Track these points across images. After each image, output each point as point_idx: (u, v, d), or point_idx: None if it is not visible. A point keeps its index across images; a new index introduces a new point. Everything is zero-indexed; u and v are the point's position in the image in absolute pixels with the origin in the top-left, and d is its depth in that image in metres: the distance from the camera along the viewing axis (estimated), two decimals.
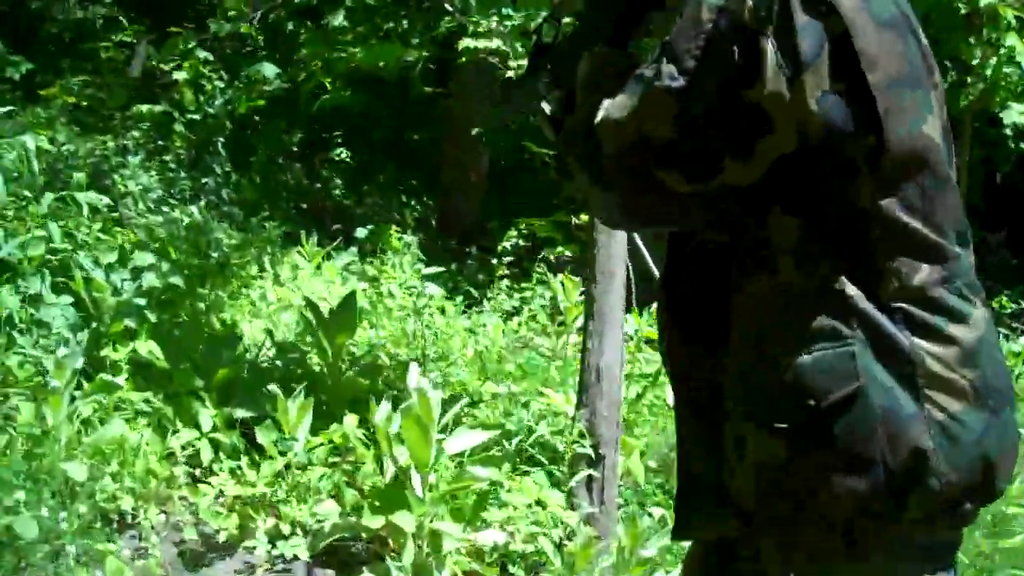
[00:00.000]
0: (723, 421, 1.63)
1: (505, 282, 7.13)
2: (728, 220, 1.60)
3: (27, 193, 4.82)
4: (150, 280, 4.69)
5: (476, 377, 5.60)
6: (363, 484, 4.23)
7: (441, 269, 6.95)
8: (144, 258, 4.81)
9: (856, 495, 1.49)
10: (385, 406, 4.08)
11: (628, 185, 1.58)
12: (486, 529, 3.98)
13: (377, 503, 3.94)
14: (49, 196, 4.80)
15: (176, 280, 4.83)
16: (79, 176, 5.71)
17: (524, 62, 5.72)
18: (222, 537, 3.94)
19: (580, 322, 6.59)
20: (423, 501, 3.89)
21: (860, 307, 1.51)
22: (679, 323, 1.77)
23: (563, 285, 6.68)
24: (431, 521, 3.88)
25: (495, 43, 5.33)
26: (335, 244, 7.00)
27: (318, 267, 6.76)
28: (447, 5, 5.77)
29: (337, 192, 8.60)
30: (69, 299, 4.58)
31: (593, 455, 4.08)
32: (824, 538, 1.55)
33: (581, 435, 4.10)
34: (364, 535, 4.03)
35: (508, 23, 5.36)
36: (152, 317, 4.64)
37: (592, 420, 4.12)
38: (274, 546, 3.93)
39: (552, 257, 6.59)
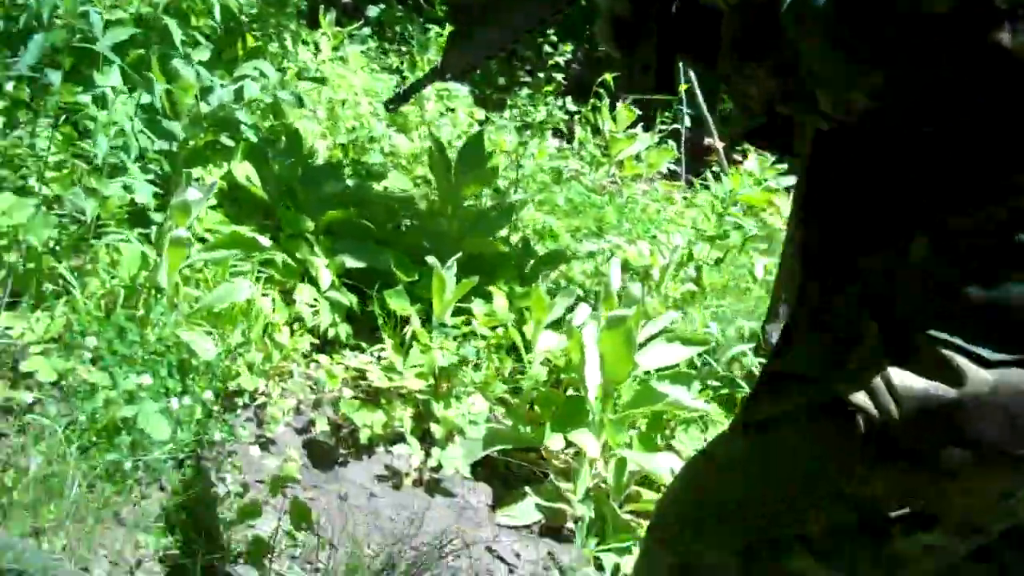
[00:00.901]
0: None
1: (525, 91, 6.34)
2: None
3: None
4: (253, 92, 3.73)
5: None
6: (516, 379, 3.62)
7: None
8: (251, 65, 3.81)
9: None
10: (584, 309, 3.43)
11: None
12: (661, 454, 3.43)
13: (557, 418, 3.36)
14: None
15: (286, 96, 3.86)
16: None
17: None
18: (363, 436, 3.25)
19: (625, 154, 6.00)
20: (616, 423, 3.33)
21: None
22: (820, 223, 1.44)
23: (614, 114, 5.99)
24: (611, 442, 3.34)
25: None
26: (354, 25, 5.97)
27: (335, 48, 5.76)
28: None
29: None
30: (145, 98, 3.60)
31: None
32: None
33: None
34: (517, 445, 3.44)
35: None
36: (253, 136, 3.72)
37: None
38: (428, 454, 3.29)
39: (610, 78, 5.82)
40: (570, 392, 3.56)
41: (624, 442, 3.34)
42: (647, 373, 3.50)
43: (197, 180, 3.40)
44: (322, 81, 4.40)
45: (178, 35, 3.47)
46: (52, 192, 3.28)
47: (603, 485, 3.32)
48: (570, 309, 3.76)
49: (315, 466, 3.19)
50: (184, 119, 3.63)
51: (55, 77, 3.27)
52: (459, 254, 3.60)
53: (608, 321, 3.27)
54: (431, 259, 3.47)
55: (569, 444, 3.38)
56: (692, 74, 6.13)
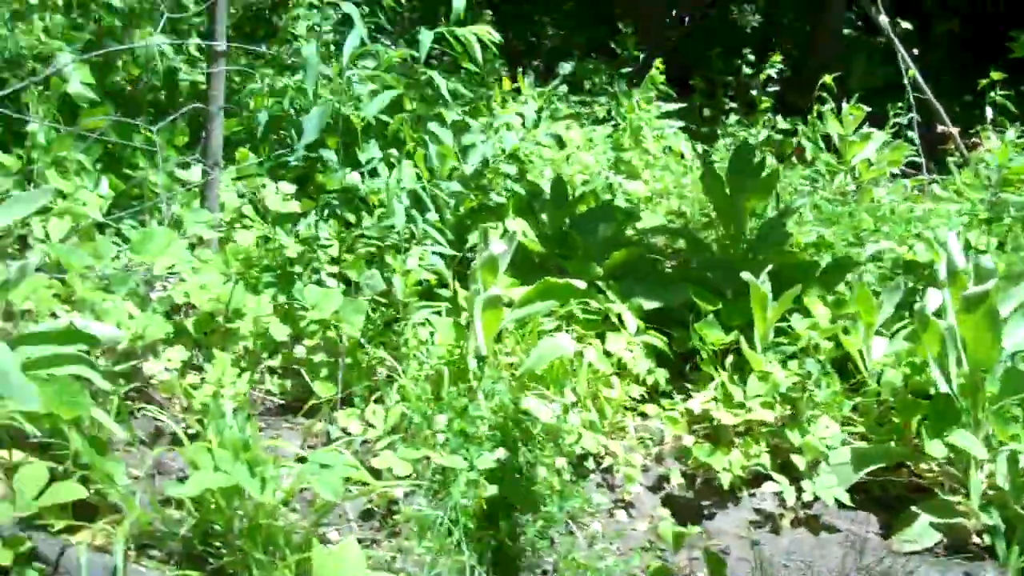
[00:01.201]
0: None
1: (733, 117, 6.07)
2: None
3: None
4: (511, 143, 3.55)
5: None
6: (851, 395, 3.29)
7: (680, 105, 5.79)
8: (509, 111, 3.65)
9: None
10: (936, 295, 3.10)
11: None
12: None
13: (929, 424, 3.01)
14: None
15: (546, 138, 3.68)
16: None
17: None
18: (724, 480, 2.95)
19: (860, 157, 5.62)
20: (997, 415, 2.96)
21: None
22: None
23: (841, 116, 5.64)
24: (999, 438, 2.97)
25: None
26: (556, 83, 5.80)
27: (540, 109, 5.58)
28: None
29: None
30: (409, 168, 3.44)
31: None
32: None
33: None
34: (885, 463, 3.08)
35: None
36: (521, 190, 3.53)
37: None
38: (800, 490, 2.95)
39: (830, 80, 5.49)
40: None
41: (1013, 435, 2.96)
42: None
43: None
44: (576, 117, 4.21)
45: (444, 87, 3.31)
46: (347, 278, 3.14)
47: (991, 490, 2.94)
48: (900, 307, 3.43)
49: (680, 523, 2.89)
50: (451, 182, 3.47)
51: (330, 156, 3.15)
52: (769, 267, 3.31)
53: (966, 301, 2.92)
54: (746, 275, 3.18)
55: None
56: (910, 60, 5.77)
